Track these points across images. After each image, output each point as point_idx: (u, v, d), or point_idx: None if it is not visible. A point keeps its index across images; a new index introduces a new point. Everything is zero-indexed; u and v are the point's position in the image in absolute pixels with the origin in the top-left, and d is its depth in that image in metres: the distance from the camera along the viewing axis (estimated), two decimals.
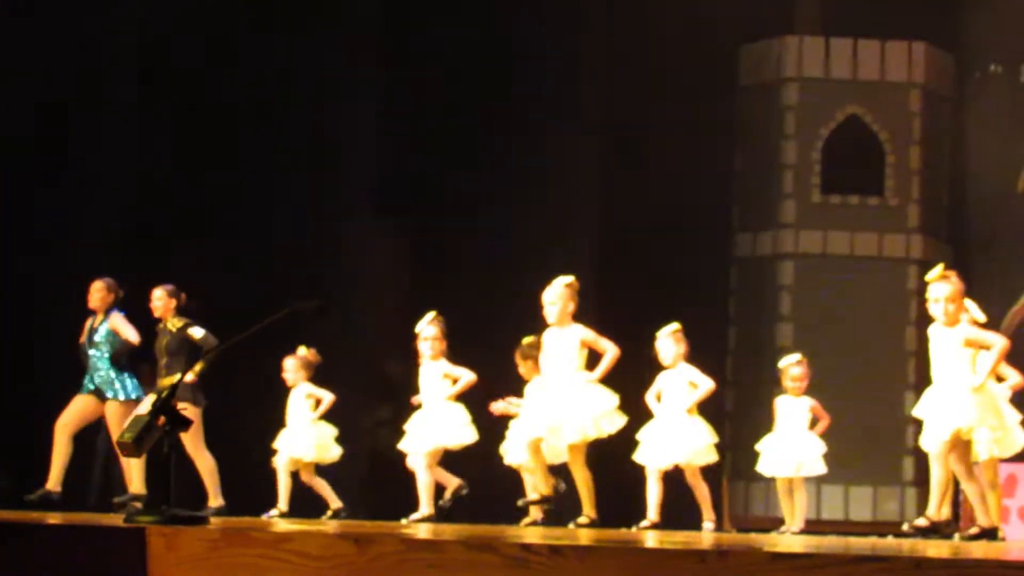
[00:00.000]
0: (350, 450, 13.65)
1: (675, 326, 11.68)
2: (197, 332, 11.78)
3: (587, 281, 14.74)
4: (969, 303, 10.02)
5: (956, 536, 9.66)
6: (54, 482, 11.90)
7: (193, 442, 11.71)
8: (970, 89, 16.01)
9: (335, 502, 12.61)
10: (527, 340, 11.60)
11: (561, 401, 10.72)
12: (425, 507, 11.63)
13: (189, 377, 11.61)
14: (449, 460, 11.88)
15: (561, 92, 15.70)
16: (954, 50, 16.15)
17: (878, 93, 15.97)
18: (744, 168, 16.32)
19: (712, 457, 11.63)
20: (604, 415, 10.71)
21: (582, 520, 10.76)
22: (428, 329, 11.77)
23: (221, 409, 12.40)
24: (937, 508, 9.63)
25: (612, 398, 10.77)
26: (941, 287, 9.54)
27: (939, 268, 9.76)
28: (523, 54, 15.49)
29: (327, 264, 15.28)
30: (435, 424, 11.69)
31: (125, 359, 12.08)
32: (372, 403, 15.53)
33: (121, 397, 11.96)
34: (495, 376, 11.63)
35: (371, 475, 15.13)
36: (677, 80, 15.57)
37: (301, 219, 15.44)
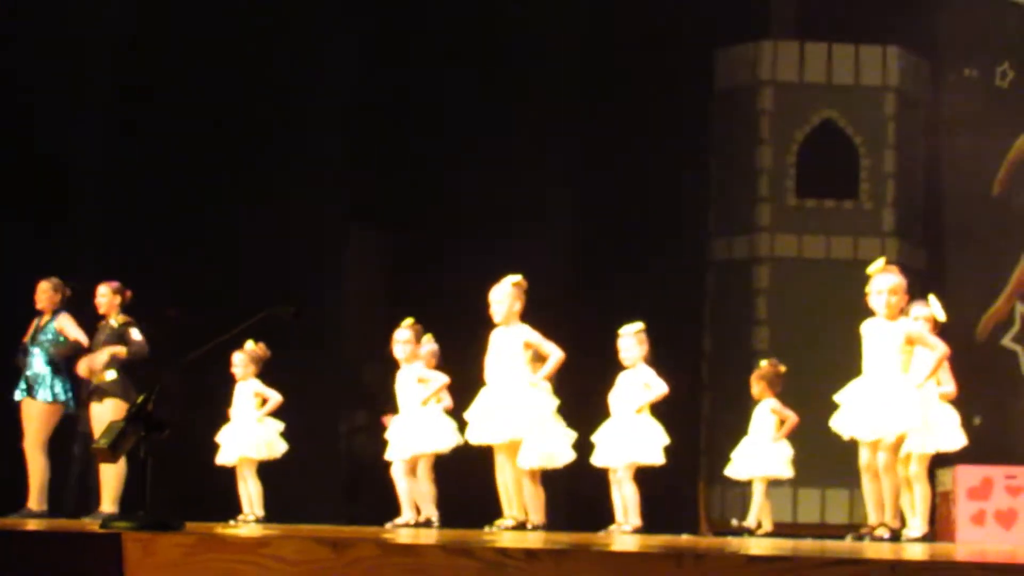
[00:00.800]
0: (328, 456, 13.66)
1: (639, 325, 11.64)
2: (135, 335, 11.79)
3: (563, 285, 14.83)
4: (933, 301, 10.07)
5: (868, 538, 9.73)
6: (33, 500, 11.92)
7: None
8: (945, 92, 16.03)
9: (259, 510, 12.57)
10: None
11: (501, 401, 10.76)
12: (407, 512, 11.64)
13: (112, 375, 11.66)
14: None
15: (535, 94, 15.72)
16: (929, 54, 16.18)
17: (853, 97, 16.01)
18: (719, 172, 16.35)
19: (658, 459, 11.60)
20: (540, 418, 10.80)
21: (506, 523, 10.79)
22: (402, 333, 11.79)
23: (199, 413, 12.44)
24: (893, 514, 9.69)
25: (551, 401, 10.83)
26: (885, 279, 9.59)
27: (881, 261, 9.82)
28: (502, 56, 15.51)
29: (304, 271, 15.28)
30: (412, 431, 11.71)
31: (63, 361, 12.05)
32: (349, 410, 15.54)
33: (48, 398, 11.94)
34: (473, 379, 11.64)
35: (349, 480, 15.14)
36: (652, 83, 15.59)
37: (278, 226, 15.44)
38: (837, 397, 9.80)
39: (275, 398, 12.59)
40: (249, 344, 12.60)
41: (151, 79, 15.39)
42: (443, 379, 11.70)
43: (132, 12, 15.44)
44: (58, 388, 11.99)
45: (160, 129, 15.39)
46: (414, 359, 11.79)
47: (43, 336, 12.02)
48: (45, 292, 12.11)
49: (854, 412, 9.70)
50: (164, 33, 15.38)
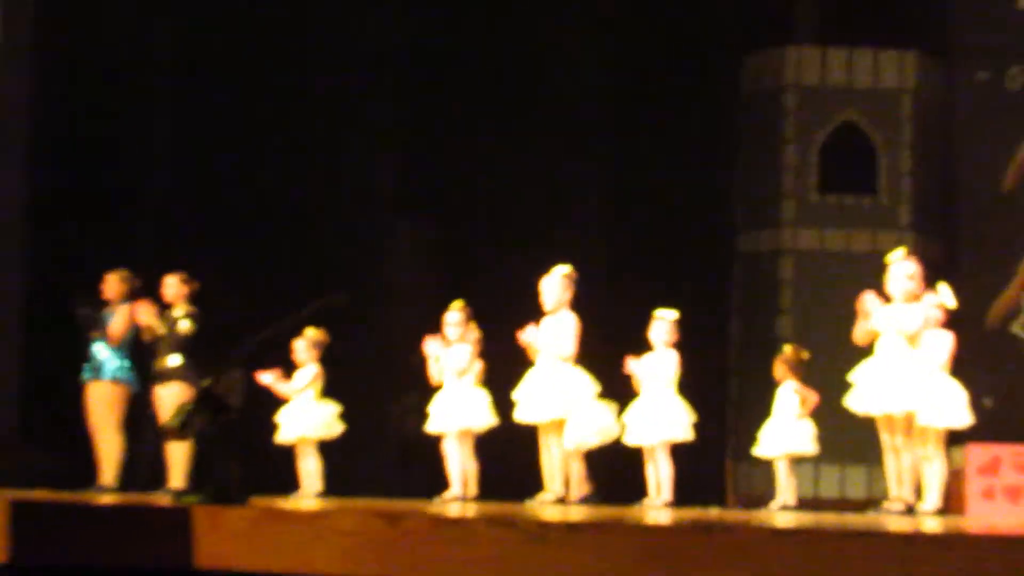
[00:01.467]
0: (380, 435, 13.67)
1: (674, 314, 11.69)
2: (183, 325, 11.81)
3: (601, 276, 14.82)
4: (944, 288, 10.09)
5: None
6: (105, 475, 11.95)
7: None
8: (959, 95, 15.97)
9: (316, 484, 12.57)
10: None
11: (546, 383, 10.83)
12: (456, 486, 11.63)
13: (176, 361, 11.68)
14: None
15: (576, 99, 15.71)
16: (944, 58, 16.13)
17: (872, 99, 15.98)
18: (747, 169, 16.33)
19: (688, 435, 11.63)
20: (583, 399, 10.90)
21: (548, 496, 10.84)
22: (453, 315, 11.80)
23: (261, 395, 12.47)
24: (910, 489, 9.73)
25: (593, 384, 10.92)
26: (908, 266, 9.74)
27: (902, 250, 9.96)
28: (543, 62, 15.49)
29: (356, 264, 15.30)
30: (459, 407, 11.70)
31: (127, 345, 12.06)
32: (399, 391, 15.55)
33: (113, 379, 11.96)
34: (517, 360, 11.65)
35: (401, 457, 15.15)
36: (685, 88, 15.59)
37: (331, 219, 15.47)
38: (852, 376, 9.85)
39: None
40: (310, 331, 12.61)
41: (209, 77, 15.41)
42: (479, 365, 11.75)
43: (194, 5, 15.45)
44: (124, 369, 12.02)
45: (221, 126, 15.41)
46: (463, 340, 11.79)
47: (108, 323, 12.02)
48: (112, 283, 12.13)
49: (867, 389, 9.76)
50: (223, 29, 15.39)
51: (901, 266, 9.82)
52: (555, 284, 10.99)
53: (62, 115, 14.77)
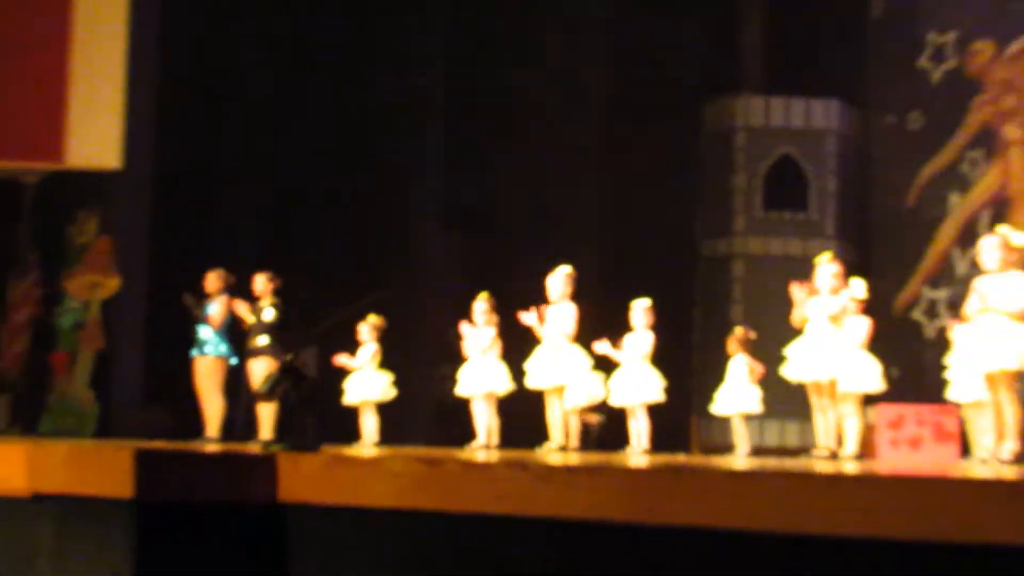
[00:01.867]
0: (421, 396, 13.65)
1: (647, 302, 11.73)
2: (268, 315, 11.84)
3: (593, 274, 14.78)
4: (858, 282, 10.11)
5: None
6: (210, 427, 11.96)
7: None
8: (872, 134, 15.96)
9: (373, 436, 12.57)
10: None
11: (551, 357, 10.92)
12: (482, 437, 11.62)
13: (265, 340, 11.69)
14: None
15: (571, 138, 15.71)
16: (860, 106, 16.11)
17: (804, 137, 15.95)
18: (707, 191, 16.31)
19: (661, 397, 11.69)
20: (579, 370, 10.98)
21: (552, 445, 10.88)
22: (481, 304, 11.81)
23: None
24: (834, 440, 9.79)
25: (587, 358, 10.99)
26: (831, 266, 9.84)
27: (828, 254, 10.07)
28: (547, 104, 15.48)
29: (403, 264, 15.31)
30: (484, 375, 11.70)
31: (224, 327, 12.07)
32: (436, 363, 15.55)
33: (215, 354, 11.98)
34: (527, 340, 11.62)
35: (438, 415, 15.14)
36: (660, 128, 15.60)
37: (385, 230, 15.48)
38: (788, 351, 9.87)
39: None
40: (372, 317, 12.64)
41: (296, 109, 15.41)
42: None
43: (283, 31, 15.39)
44: (223, 347, 12.04)
45: (300, 153, 15.41)
46: (488, 324, 11.79)
47: (208, 311, 12.05)
48: (212, 279, 12.15)
49: (799, 361, 9.81)
50: (303, 54, 15.37)
51: (827, 267, 9.87)
52: (559, 280, 11.02)
53: (180, 146, 14.77)
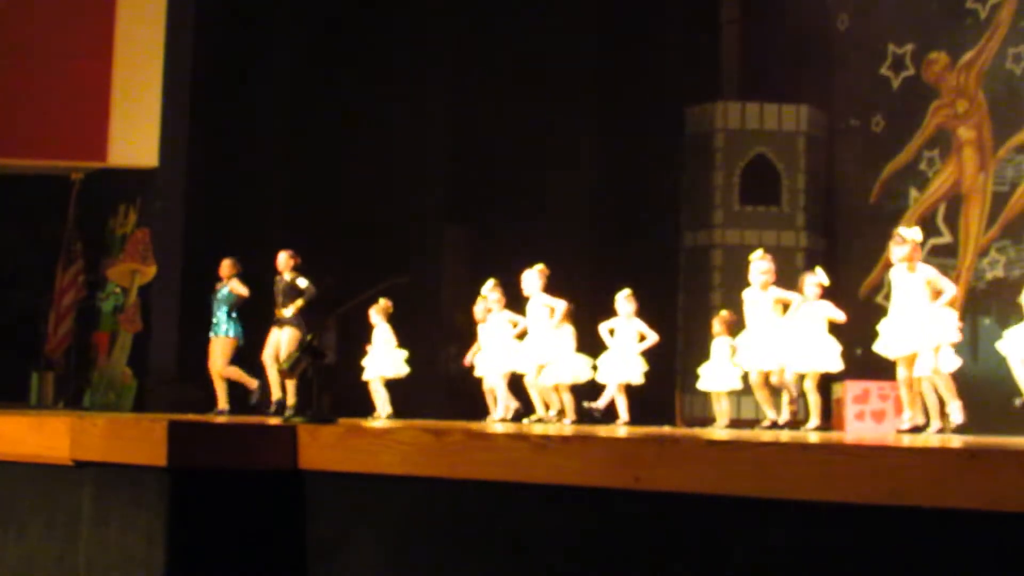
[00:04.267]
0: (431, 373, 13.62)
1: (628, 291, 11.72)
2: (302, 282, 11.84)
3: (586, 264, 14.77)
4: (819, 271, 10.11)
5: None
6: (251, 384, 11.96)
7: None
8: (838, 136, 15.94)
9: (387, 409, 12.57)
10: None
11: (537, 341, 10.94)
12: (500, 410, 11.64)
13: (290, 312, 11.69)
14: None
15: (565, 139, 15.66)
16: (827, 110, 16.08)
17: (777, 139, 15.91)
18: (689, 187, 16.28)
19: (641, 378, 11.71)
20: (564, 349, 11.00)
21: (549, 416, 10.94)
22: (493, 294, 11.81)
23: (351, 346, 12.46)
24: (789, 409, 9.85)
25: (571, 339, 11.01)
26: (765, 263, 9.83)
27: (760, 251, 10.06)
28: (540, 113, 15.43)
29: (415, 251, 15.30)
30: (502, 354, 11.69)
31: (236, 310, 12.08)
32: (445, 343, 15.56)
33: (231, 334, 12.01)
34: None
35: (446, 390, 15.15)
36: (646, 131, 15.60)
37: (398, 223, 15.47)
38: (738, 342, 9.86)
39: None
40: (382, 301, 12.64)
41: (311, 123, 15.38)
42: (524, 323, 11.68)
43: (306, 38, 15.37)
44: (234, 329, 12.06)
45: (320, 156, 15.39)
46: (502, 309, 11.79)
47: (221, 295, 12.07)
48: (226, 266, 12.18)
49: (747, 352, 9.80)
50: (321, 69, 15.34)
51: (761, 263, 9.89)
52: (533, 277, 11.07)
53: (211, 146, 14.76)
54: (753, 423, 11.64)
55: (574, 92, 15.69)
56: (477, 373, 12.08)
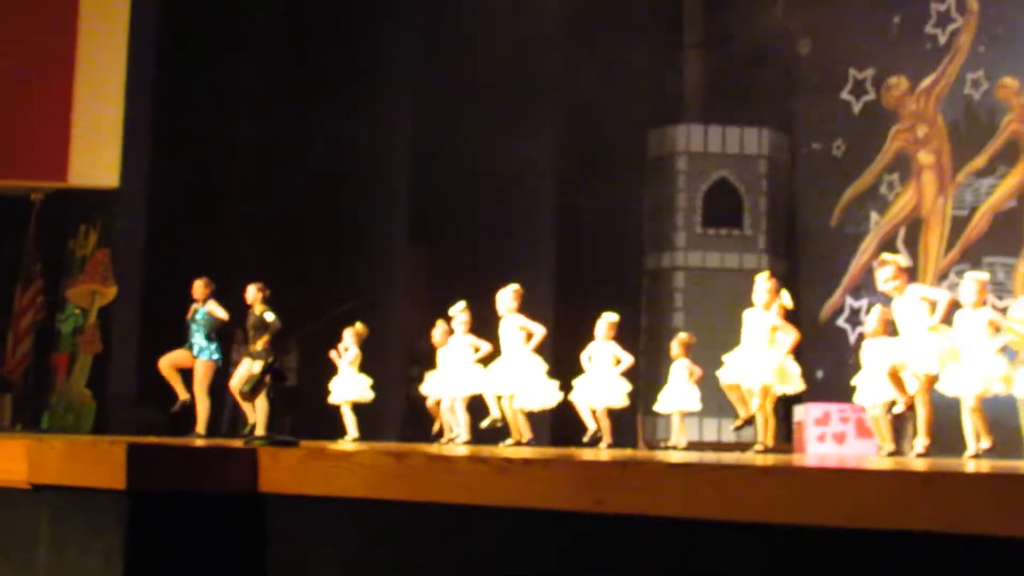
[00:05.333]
0: (392, 396, 13.58)
1: (615, 317, 11.69)
2: (269, 317, 11.75)
3: (550, 288, 14.78)
4: (784, 294, 10.12)
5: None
6: (182, 394, 11.85)
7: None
8: (800, 159, 16.05)
9: (353, 432, 12.52)
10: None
11: (508, 365, 10.90)
12: (461, 432, 11.58)
13: (260, 346, 11.62)
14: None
15: (531, 165, 15.66)
16: (789, 133, 16.19)
17: (739, 162, 16.03)
18: (651, 210, 16.35)
19: (624, 402, 11.65)
20: (535, 375, 10.95)
21: (510, 442, 10.91)
22: (462, 315, 11.79)
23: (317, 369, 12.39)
24: (764, 432, 9.83)
25: (542, 364, 10.98)
26: (767, 282, 9.80)
27: (766, 273, 10.03)
28: (505, 140, 15.43)
29: (376, 278, 15.27)
30: (464, 377, 11.64)
31: (215, 333, 11.97)
32: (405, 366, 15.52)
33: (205, 357, 11.88)
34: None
35: (406, 412, 15.11)
36: (610, 153, 15.64)
37: (361, 248, 15.44)
38: (725, 357, 9.86)
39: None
40: (358, 324, 12.59)
41: (277, 148, 15.34)
42: (488, 347, 11.62)
43: (273, 58, 15.31)
44: (213, 351, 11.94)
45: (283, 178, 15.35)
46: (466, 332, 11.75)
47: (198, 316, 11.94)
48: (199, 286, 12.06)
49: (735, 367, 9.80)
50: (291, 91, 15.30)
51: (764, 282, 9.89)
52: (507, 296, 11.04)
53: (173, 167, 14.68)
54: (715, 445, 11.67)
55: (537, 113, 15.72)
56: (430, 394, 12.08)
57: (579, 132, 15.79)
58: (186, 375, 11.87)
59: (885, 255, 9.51)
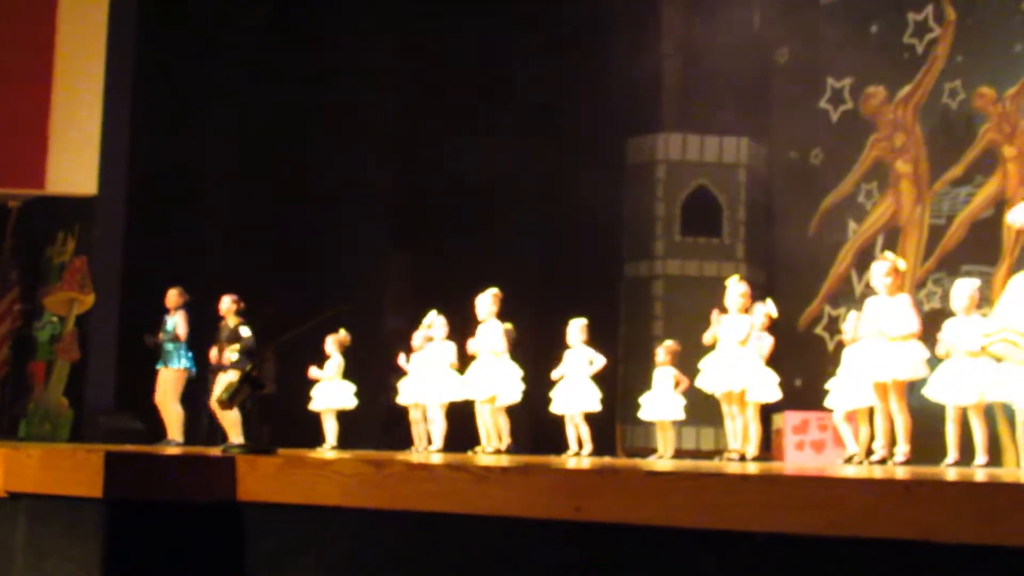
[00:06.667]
0: (372, 404, 13.55)
1: (584, 321, 11.67)
2: (244, 331, 11.74)
3: (530, 294, 14.76)
4: (769, 303, 10.11)
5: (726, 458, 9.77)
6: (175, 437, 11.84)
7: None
8: (778, 168, 16.09)
9: (332, 440, 12.48)
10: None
11: (485, 370, 10.91)
12: (436, 441, 11.58)
13: (235, 356, 11.59)
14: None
15: (514, 178, 15.66)
16: (767, 142, 16.24)
17: (717, 171, 16.07)
18: (630, 218, 16.36)
19: (598, 407, 11.64)
20: (511, 382, 10.96)
21: (489, 448, 10.89)
22: (439, 320, 11.80)
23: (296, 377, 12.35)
24: (743, 441, 9.81)
25: (518, 370, 10.98)
26: (740, 286, 9.78)
27: (736, 277, 10.01)
28: (485, 150, 15.44)
29: (358, 284, 15.24)
30: (441, 384, 11.63)
31: (184, 341, 11.94)
32: (387, 376, 15.49)
33: (175, 365, 11.87)
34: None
35: (386, 420, 15.08)
36: (589, 162, 15.64)
37: (342, 254, 15.41)
38: (701, 364, 9.87)
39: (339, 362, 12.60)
40: (342, 332, 12.54)
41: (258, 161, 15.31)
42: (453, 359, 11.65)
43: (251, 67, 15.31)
44: (185, 360, 11.93)
45: (265, 188, 15.32)
46: (444, 338, 11.76)
47: (168, 326, 11.95)
48: (172, 296, 12.04)
49: (711, 374, 9.80)
50: (272, 102, 15.29)
51: (737, 287, 9.86)
52: (486, 301, 11.02)
53: (151, 175, 14.64)
54: (694, 453, 11.68)
55: (517, 121, 15.73)
56: (403, 401, 12.07)
57: (559, 140, 15.81)
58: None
59: (888, 253, 9.51)
